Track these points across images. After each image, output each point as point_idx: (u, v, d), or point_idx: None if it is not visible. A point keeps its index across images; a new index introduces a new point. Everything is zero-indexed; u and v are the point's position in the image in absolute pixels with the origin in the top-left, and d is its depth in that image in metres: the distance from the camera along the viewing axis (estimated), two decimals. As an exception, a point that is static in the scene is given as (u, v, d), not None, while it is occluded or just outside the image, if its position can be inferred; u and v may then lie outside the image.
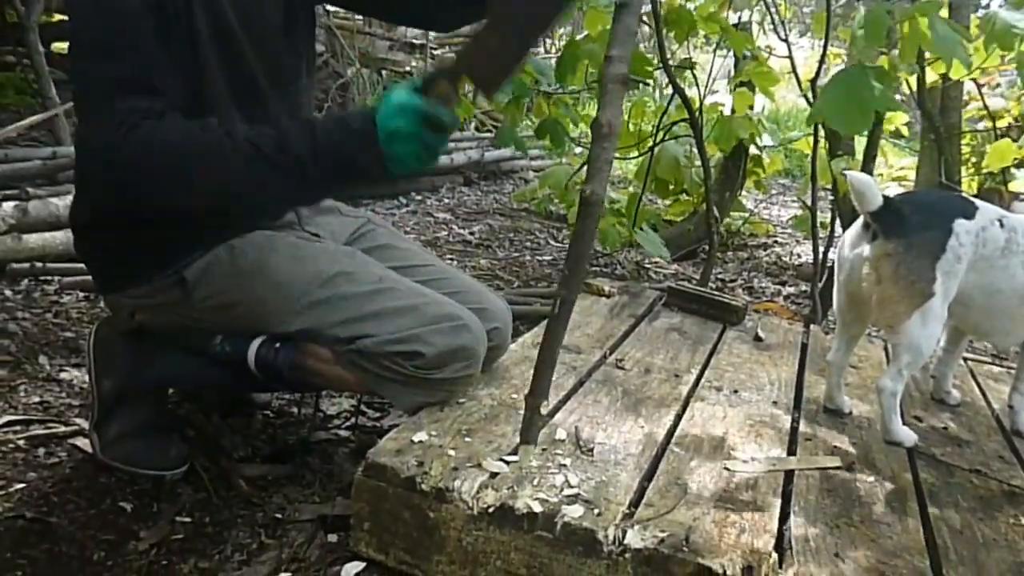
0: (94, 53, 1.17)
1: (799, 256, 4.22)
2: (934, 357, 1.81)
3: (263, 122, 1.23)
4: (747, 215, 4.49)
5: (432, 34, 7.08)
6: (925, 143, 2.99)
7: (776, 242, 4.59)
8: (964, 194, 1.58)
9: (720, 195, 3.98)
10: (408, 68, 6.91)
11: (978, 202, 1.51)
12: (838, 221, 2.96)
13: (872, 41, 1.90)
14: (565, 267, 1.22)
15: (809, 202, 2.76)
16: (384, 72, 7.03)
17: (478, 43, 1.17)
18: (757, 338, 2.10)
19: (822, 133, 2.63)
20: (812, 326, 2.30)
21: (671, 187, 4.18)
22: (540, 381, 1.26)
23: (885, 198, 1.44)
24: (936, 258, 1.43)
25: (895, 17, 1.91)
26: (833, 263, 2.01)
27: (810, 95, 2.49)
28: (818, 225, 2.69)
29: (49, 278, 2.44)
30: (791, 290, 3.51)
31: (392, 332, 1.34)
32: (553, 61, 2.59)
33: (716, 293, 2.32)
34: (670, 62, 2.60)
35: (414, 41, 6.90)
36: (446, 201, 4.64)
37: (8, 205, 2.57)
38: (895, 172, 5.47)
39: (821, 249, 2.78)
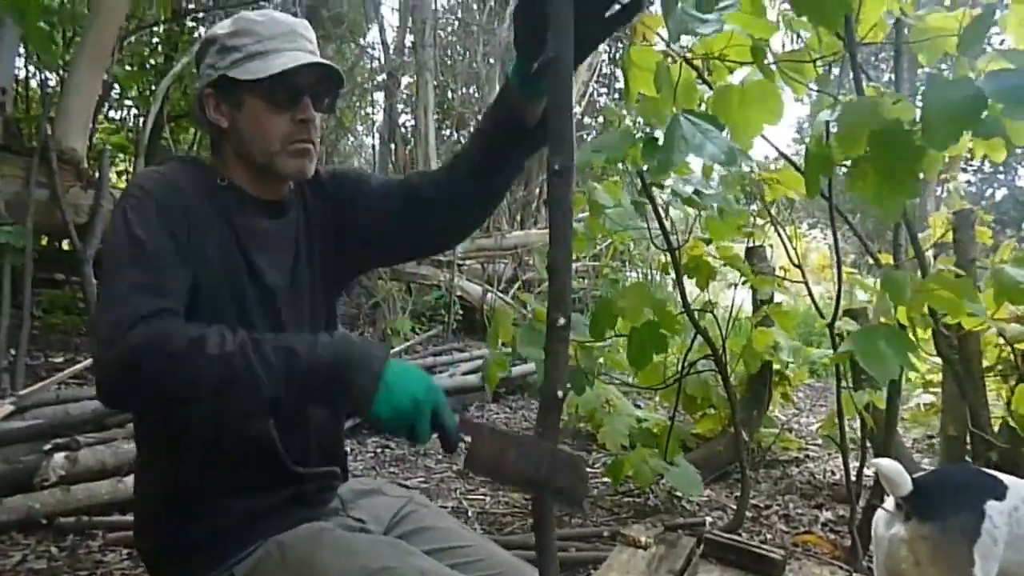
0: (113, 268, 1.25)
1: (832, 473, 4.18)
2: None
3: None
4: (777, 431, 4.49)
5: (459, 249, 7.45)
6: (947, 390, 3.05)
7: (808, 456, 4.56)
8: (990, 472, 1.61)
9: (747, 413, 4.01)
10: (437, 282, 7.22)
11: (1007, 479, 1.55)
12: (868, 443, 3.00)
13: (896, 302, 2.01)
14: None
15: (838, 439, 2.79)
16: (412, 285, 7.34)
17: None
18: (799, 596, 2.06)
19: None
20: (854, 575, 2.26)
21: (699, 402, 4.22)
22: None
23: (914, 481, 1.49)
24: (972, 541, 1.45)
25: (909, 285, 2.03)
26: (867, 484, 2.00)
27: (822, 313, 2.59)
28: (850, 464, 2.70)
29: (94, 531, 2.48)
30: (828, 515, 3.45)
31: (433, 627, 1.35)
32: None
33: (753, 544, 2.30)
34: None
35: (441, 258, 7.25)
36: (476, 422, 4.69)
37: (59, 456, 2.67)
38: (923, 378, 5.48)
39: (853, 475, 2.78)
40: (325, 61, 1.42)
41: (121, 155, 7.92)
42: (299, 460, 1.52)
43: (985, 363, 3.34)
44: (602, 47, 13.59)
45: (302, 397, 1.21)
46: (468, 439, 1.15)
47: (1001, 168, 18.34)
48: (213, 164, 1.48)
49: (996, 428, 2.98)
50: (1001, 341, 3.38)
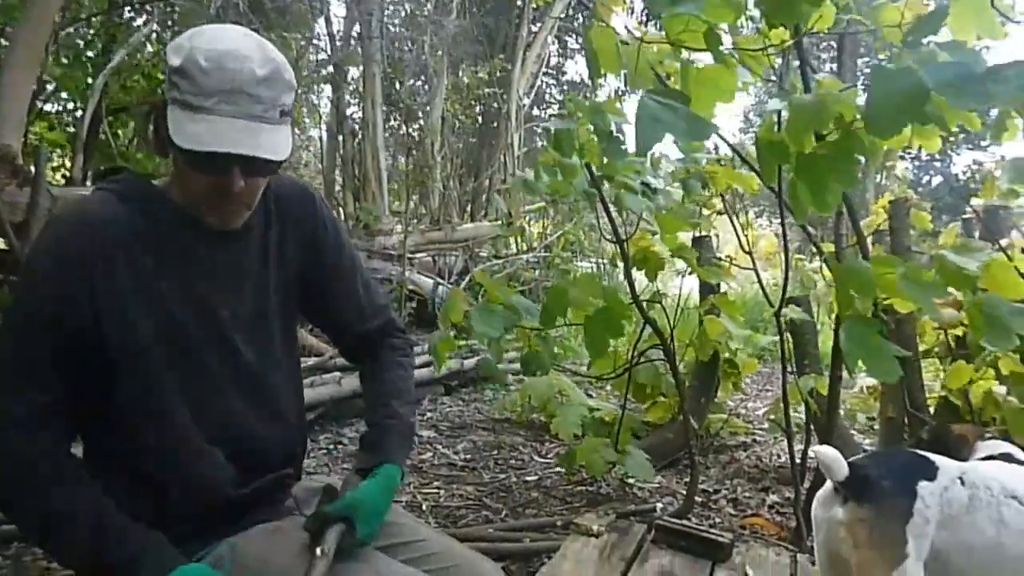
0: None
1: (778, 456, 4.29)
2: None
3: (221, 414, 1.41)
4: (725, 417, 4.58)
5: (409, 242, 7.43)
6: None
7: (755, 440, 4.66)
8: (924, 454, 1.68)
9: (696, 401, 4.09)
10: (387, 275, 7.18)
11: (938, 460, 1.62)
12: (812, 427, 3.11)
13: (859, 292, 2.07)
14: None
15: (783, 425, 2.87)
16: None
17: None
18: (746, 577, 2.13)
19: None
20: (799, 556, 2.34)
21: (649, 390, 4.29)
22: None
23: (851, 466, 1.54)
24: (905, 522, 1.51)
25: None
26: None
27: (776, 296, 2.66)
28: (795, 449, 2.79)
29: (39, 539, 2.43)
30: (774, 498, 3.55)
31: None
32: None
33: (702, 529, 2.37)
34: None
35: (392, 251, 7.22)
36: (429, 415, 4.71)
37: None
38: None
39: (798, 459, 2.87)
40: (250, 153, 1.24)
41: (59, 150, 7.71)
42: (255, 469, 1.52)
43: (923, 347, 3.47)
44: (550, 38, 13.62)
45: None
46: None
47: (937, 156, 18.92)
48: (166, 181, 1.41)
49: (933, 410, 3.10)
50: (937, 326, 3.52)
